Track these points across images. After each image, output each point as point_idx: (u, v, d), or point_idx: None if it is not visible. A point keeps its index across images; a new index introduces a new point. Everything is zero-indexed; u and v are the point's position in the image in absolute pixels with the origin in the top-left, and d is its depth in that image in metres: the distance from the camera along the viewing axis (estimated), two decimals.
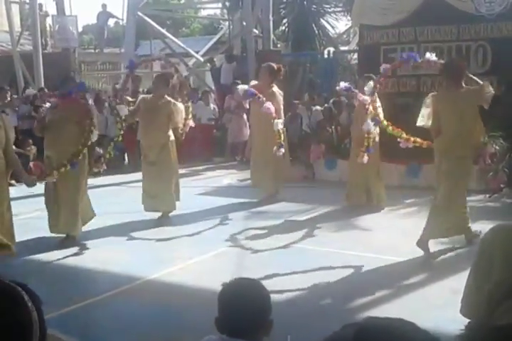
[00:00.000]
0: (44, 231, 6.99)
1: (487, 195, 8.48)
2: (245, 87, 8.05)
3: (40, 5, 18.59)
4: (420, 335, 0.99)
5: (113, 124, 8.86)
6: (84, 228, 6.72)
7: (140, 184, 7.67)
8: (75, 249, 6.29)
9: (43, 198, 6.62)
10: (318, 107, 12.10)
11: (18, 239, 5.67)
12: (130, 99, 8.55)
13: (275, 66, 8.25)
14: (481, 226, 6.52)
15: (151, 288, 5.17)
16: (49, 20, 19.56)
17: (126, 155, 12.80)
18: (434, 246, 6.16)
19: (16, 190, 9.46)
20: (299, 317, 4.39)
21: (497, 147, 8.91)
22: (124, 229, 7.02)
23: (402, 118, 9.94)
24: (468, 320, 2.57)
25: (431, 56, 6.89)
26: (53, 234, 6.72)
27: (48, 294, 4.85)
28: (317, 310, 4.58)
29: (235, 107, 12.72)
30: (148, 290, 5.16)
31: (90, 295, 4.90)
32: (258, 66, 13.61)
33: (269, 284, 5.02)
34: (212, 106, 13.64)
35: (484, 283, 1.93)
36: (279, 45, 18.71)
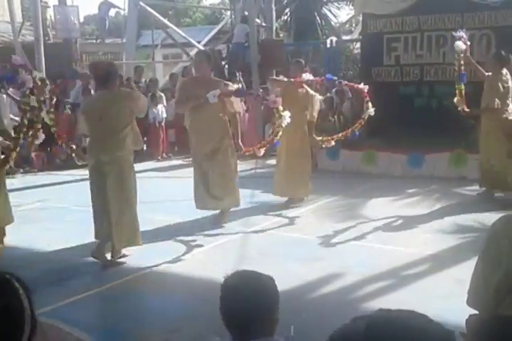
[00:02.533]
0: (44, 222, 6.99)
1: None
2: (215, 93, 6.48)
3: None
4: (433, 327, 0.95)
5: None
6: (87, 218, 6.68)
7: (137, 175, 7.58)
8: (75, 240, 6.26)
9: (44, 189, 6.59)
10: (319, 97, 12.03)
11: (18, 229, 5.64)
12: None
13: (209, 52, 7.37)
14: (485, 216, 6.51)
15: (155, 279, 5.16)
16: (50, 11, 19.47)
17: None
18: (439, 236, 6.14)
19: (17, 181, 9.46)
20: (302, 309, 4.36)
21: None
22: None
23: (405, 107, 9.94)
24: (474, 311, 2.54)
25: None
26: (52, 225, 6.72)
27: (50, 285, 4.85)
28: (321, 300, 4.55)
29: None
30: (151, 280, 5.14)
31: (93, 286, 4.89)
32: (260, 56, 13.56)
33: (271, 274, 5.01)
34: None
35: (492, 273, 1.89)
36: (281, 35, 18.59)
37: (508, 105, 7.61)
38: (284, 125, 6.49)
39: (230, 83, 7.03)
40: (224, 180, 6.64)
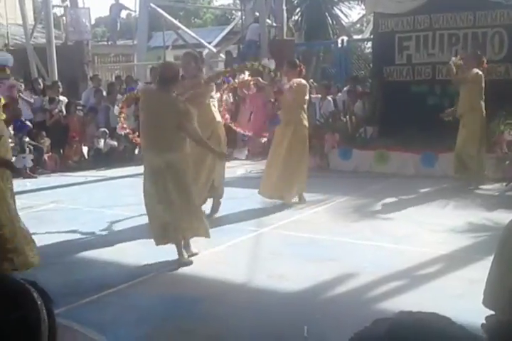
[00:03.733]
0: (58, 223, 7.02)
1: (504, 184, 8.38)
2: None
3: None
4: (457, 330, 0.94)
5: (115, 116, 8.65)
6: (100, 219, 6.72)
7: None
8: (89, 241, 6.29)
9: (57, 190, 6.62)
10: (329, 97, 12.05)
11: (32, 230, 5.66)
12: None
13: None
14: (499, 216, 6.47)
15: (166, 280, 5.16)
16: (60, 13, 19.59)
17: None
18: (452, 236, 6.11)
19: (31, 183, 9.52)
20: (316, 310, 4.35)
21: None
22: (138, 221, 7.02)
23: (417, 106, 9.89)
24: (487, 311, 2.52)
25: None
26: (65, 227, 6.76)
27: (62, 286, 4.86)
28: (334, 301, 4.54)
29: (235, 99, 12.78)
30: (163, 281, 5.14)
31: (105, 287, 4.90)
32: (271, 55, 13.56)
33: (282, 275, 5.03)
34: (225, 96, 13.57)
35: (508, 274, 1.87)
36: (292, 35, 18.58)
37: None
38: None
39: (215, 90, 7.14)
40: None
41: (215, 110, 6.93)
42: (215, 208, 7.25)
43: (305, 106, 7.71)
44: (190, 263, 5.40)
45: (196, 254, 5.60)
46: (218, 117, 6.98)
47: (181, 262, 5.38)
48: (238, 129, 9.01)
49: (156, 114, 5.32)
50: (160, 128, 5.27)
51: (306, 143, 7.75)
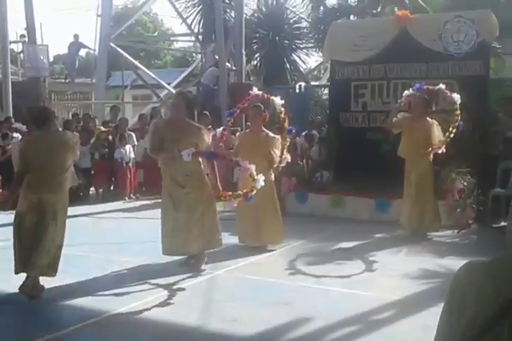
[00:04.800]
0: (7, 261, 6.82)
1: (455, 231, 8.55)
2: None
3: (22, 35, 18.51)
4: None
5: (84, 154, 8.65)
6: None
7: (104, 215, 7.54)
8: (40, 279, 6.13)
9: (7, 228, 6.45)
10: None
11: None
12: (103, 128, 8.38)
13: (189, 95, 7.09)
14: (451, 262, 6.58)
15: (119, 322, 5.04)
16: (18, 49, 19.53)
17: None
18: (405, 281, 6.17)
19: None
20: None
21: (465, 183, 9.03)
22: (92, 260, 6.89)
23: (371, 152, 10.08)
24: None
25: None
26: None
27: (10, 326, 4.71)
28: None
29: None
30: (115, 323, 5.02)
31: (55, 329, 4.76)
32: (230, 99, 13.72)
33: (236, 318, 4.98)
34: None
35: (457, 321, 1.91)
36: (251, 79, 18.87)
37: None
38: (258, 187, 6.23)
39: (207, 132, 6.78)
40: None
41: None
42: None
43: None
44: None
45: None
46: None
47: None
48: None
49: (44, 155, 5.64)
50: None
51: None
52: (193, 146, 6.28)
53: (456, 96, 8.34)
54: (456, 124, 8.28)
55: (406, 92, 8.56)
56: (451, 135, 8.22)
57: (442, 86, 8.49)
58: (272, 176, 7.58)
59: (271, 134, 7.60)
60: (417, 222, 8.29)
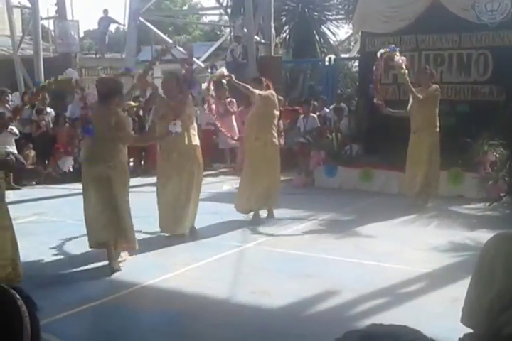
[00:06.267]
0: (41, 235, 6.97)
1: (487, 204, 8.45)
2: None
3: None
4: None
5: None
6: (84, 232, 6.68)
7: (135, 189, 7.61)
8: (72, 253, 6.25)
9: (40, 202, 6.59)
10: (313, 114, 12.06)
11: None
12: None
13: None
14: (481, 235, 6.51)
15: (149, 294, 5.14)
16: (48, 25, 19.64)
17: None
18: (434, 254, 6.14)
19: (14, 194, 9.45)
20: (296, 325, 4.36)
21: (497, 155, 8.90)
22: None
23: (402, 125, 9.97)
24: (467, 329, 2.54)
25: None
26: (48, 239, 6.71)
27: (43, 299, 4.81)
28: (315, 317, 4.54)
29: (224, 111, 12.82)
30: (146, 295, 5.12)
31: (87, 301, 4.87)
32: (259, 73, 13.64)
33: (265, 290, 5.02)
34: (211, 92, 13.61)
35: (486, 292, 1.90)
36: (280, 52, 18.72)
37: None
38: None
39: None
40: None
41: (194, 133, 6.81)
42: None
43: (274, 121, 7.69)
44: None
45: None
46: (197, 140, 6.88)
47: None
48: (223, 129, 8.91)
49: (97, 126, 5.68)
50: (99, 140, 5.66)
51: (278, 160, 7.74)
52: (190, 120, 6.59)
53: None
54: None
55: (379, 52, 8.65)
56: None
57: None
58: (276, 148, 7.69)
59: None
60: (418, 186, 8.38)
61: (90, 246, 5.91)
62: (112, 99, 5.73)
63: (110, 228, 5.62)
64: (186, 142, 6.62)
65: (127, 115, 6.57)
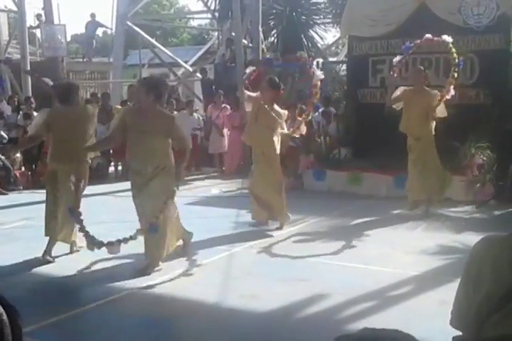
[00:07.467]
0: (29, 241, 6.92)
1: (474, 207, 8.50)
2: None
3: (39, 15, 18.50)
4: None
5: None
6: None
7: (123, 193, 7.59)
8: (60, 258, 6.22)
9: (28, 207, 6.55)
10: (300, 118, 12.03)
11: (1, 248, 5.59)
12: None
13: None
14: (469, 238, 6.54)
15: (137, 299, 5.11)
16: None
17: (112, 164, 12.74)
18: (422, 257, 6.16)
19: (1, 199, 9.39)
20: (285, 329, 4.35)
21: (484, 158, 8.95)
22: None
23: (390, 128, 10.01)
24: (456, 332, 2.55)
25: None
26: (35, 244, 6.67)
27: (31, 305, 4.79)
28: (304, 321, 4.53)
29: (216, 117, 12.92)
30: (134, 301, 5.09)
31: (75, 306, 4.84)
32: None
33: (254, 294, 5.01)
34: (196, 115, 13.65)
35: (474, 294, 1.90)
36: (268, 56, 18.73)
37: None
38: None
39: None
40: None
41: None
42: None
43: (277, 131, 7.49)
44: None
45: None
46: None
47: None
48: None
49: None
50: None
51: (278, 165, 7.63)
52: (163, 136, 5.78)
53: (447, 37, 8.12)
54: (456, 62, 8.00)
55: (396, 59, 8.38)
56: (455, 74, 7.97)
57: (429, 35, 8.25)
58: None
59: (279, 110, 7.51)
60: (421, 194, 8.17)
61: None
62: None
63: None
64: None
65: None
